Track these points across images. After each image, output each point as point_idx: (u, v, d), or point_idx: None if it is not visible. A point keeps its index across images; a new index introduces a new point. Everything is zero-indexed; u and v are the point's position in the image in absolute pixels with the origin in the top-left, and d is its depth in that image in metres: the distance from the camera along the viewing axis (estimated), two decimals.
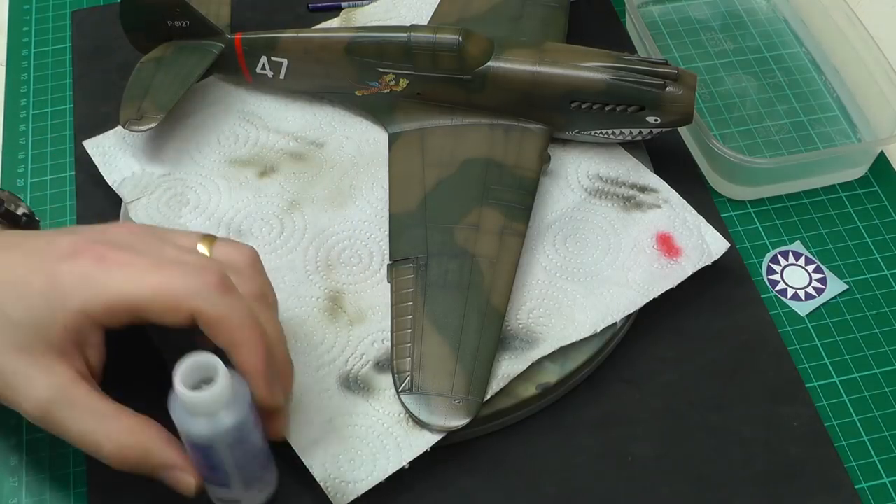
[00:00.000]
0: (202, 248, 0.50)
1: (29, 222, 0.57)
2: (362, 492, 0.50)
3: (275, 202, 0.62)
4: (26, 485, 0.54)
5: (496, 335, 0.54)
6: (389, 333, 0.55)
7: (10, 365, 0.47)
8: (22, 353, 0.46)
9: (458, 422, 0.52)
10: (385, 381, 0.54)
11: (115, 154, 0.65)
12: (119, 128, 0.65)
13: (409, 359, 0.54)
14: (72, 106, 0.71)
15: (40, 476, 0.54)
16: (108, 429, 0.47)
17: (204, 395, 0.43)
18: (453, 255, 0.57)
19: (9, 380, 0.47)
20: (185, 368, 0.44)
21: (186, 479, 0.48)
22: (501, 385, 0.54)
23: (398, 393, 0.53)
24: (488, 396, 0.53)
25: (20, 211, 0.57)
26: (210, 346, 0.47)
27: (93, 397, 0.47)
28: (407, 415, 0.53)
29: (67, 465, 0.54)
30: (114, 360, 0.50)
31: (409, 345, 0.54)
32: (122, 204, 0.62)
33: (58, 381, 0.46)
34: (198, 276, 0.46)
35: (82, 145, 0.66)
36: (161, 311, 0.46)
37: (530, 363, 0.55)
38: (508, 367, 0.54)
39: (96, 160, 0.64)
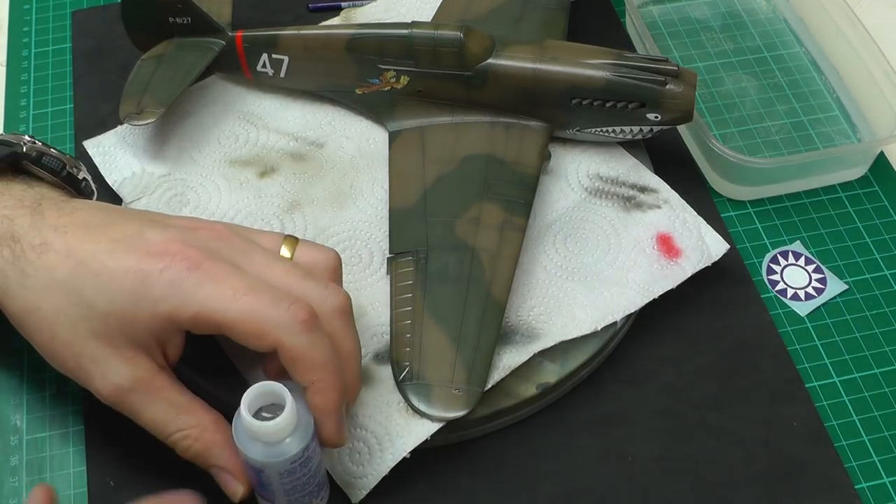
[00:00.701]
0: (285, 251, 0.50)
1: (87, 188, 0.57)
2: (372, 486, 0.51)
3: (275, 202, 0.62)
4: (26, 485, 0.54)
5: (497, 326, 0.54)
6: (389, 327, 0.55)
7: (91, 351, 0.47)
8: (103, 341, 0.47)
9: (458, 412, 0.52)
10: (385, 372, 0.54)
11: (115, 154, 0.65)
12: (119, 128, 0.65)
13: (408, 349, 0.54)
14: (72, 106, 0.71)
15: (40, 476, 0.54)
16: (180, 421, 0.48)
17: (267, 425, 0.44)
18: (453, 248, 0.57)
19: (87, 365, 0.48)
20: (254, 395, 0.45)
21: (235, 486, 0.48)
22: (502, 375, 0.54)
23: (398, 382, 0.53)
24: (489, 386, 0.53)
25: (81, 175, 0.56)
26: (278, 367, 0.47)
27: (170, 389, 0.48)
28: (406, 404, 0.52)
29: (67, 465, 0.54)
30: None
31: (408, 335, 0.54)
32: (122, 203, 0.62)
33: (137, 373, 0.47)
34: (287, 309, 0.46)
35: (82, 145, 0.66)
36: (246, 335, 0.46)
37: (531, 354, 0.55)
38: (509, 359, 0.54)
39: (96, 160, 0.64)
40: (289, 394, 0.45)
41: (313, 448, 0.47)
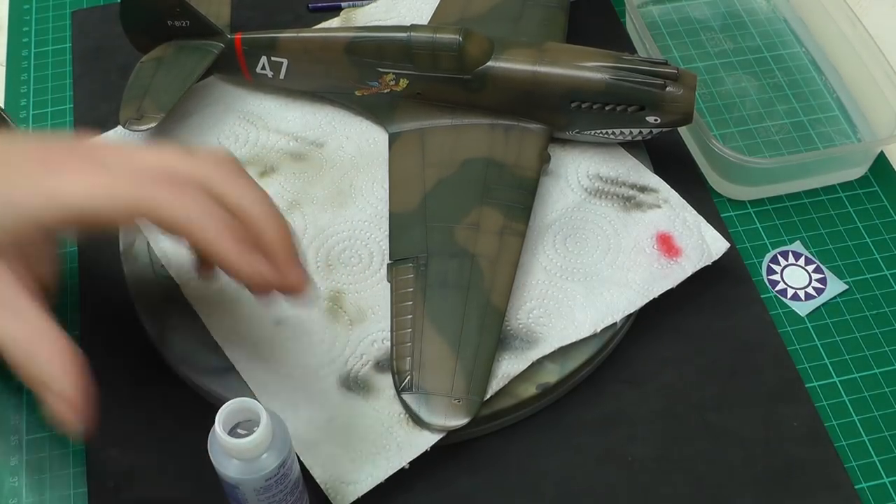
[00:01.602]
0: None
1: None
2: (362, 492, 0.50)
3: (275, 202, 0.62)
4: (26, 485, 0.54)
5: (496, 334, 0.54)
6: (389, 333, 0.55)
7: None
8: None
9: (458, 421, 0.52)
10: (385, 381, 0.54)
11: None
12: (119, 128, 0.65)
13: (409, 358, 0.54)
14: (72, 106, 0.71)
15: (40, 476, 0.54)
16: (14, 325, 0.45)
17: (242, 442, 0.44)
18: (453, 254, 0.57)
19: None
20: (228, 411, 0.45)
21: (61, 409, 0.45)
22: (501, 385, 0.54)
23: (398, 392, 0.53)
24: (488, 396, 0.53)
25: None
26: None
27: (19, 298, 0.46)
28: (407, 414, 0.53)
29: (67, 465, 0.54)
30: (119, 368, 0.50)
31: (409, 344, 0.54)
32: None
33: None
34: (141, 175, 0.46)
35: None
36: (111, 217, 0.46)
37: (530, 363, 0.55)
38: (508, 367, 0.54)
39: None
40: (264, 410, 0.44)
41: (290, 464, 0.47)
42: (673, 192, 0.62)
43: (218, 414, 0.44)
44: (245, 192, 0.48)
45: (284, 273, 0.47)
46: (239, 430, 0.45)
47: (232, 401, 0.44)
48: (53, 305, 0.47)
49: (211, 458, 0.45)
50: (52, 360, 0.45)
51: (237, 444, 0.44)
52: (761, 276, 0.62)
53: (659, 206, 0.61)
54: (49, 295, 0.48)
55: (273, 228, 0.47)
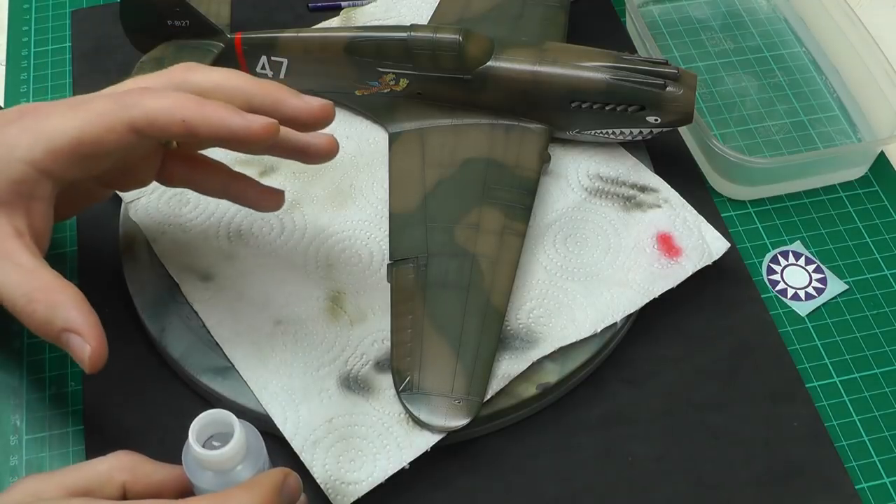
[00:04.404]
0: None
1: None
2: (362, 493, 0.50)
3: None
4: None
5: (496, 335, 0.54)
6: (389, 333, 0.55)
7: None
8: None
9: (459, 422, 0.52)
10: (385, 381, 0.54)
11: None
12: None
13: (409, 358, 0.54)
14: None
15: None
16: (25, 282, 0.46)
17: (216, 454, 0.43)
18: (453, 254, 0.57)
19: None
20: (202, 423, 0.44)
21: (82, 347, 0.46)
22: (501, 385, 0.54)
23: (398, 393, 0.53)
24: (488, 396, 0.53)
25: None
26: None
27: (23, 252, 0.47)
28: (407, 415, 0.53)
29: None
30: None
31: (409, 344, 0.54)
32: (122, 203, 0.62)
33: None
34: (121, 95, 0.48)
35: None
36: (98, 137, 0.47)
37: (530, 363, 0.55)
38: (508, 367, 0.54)
39: None
40: (238, 422, 0.44)
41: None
42: (673, 191, 0.62)
43: (191, 426, 0.44)
44: (210, 75, 0.50)
45: (288, 107, 0.50)
46: (213, 442, 0.44)
47: (205, 413, 0.44)
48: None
49: (185, 470, 0.45)
50: (54, 298, 0.46)
51: (211, 457, 0.43)
52: (761, 275, 0.62)
53: (659, 206, 0.61)
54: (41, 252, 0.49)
55: (257, 87, 0.50)
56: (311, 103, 0.51)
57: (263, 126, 0.48)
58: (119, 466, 0.45)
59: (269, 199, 0.56)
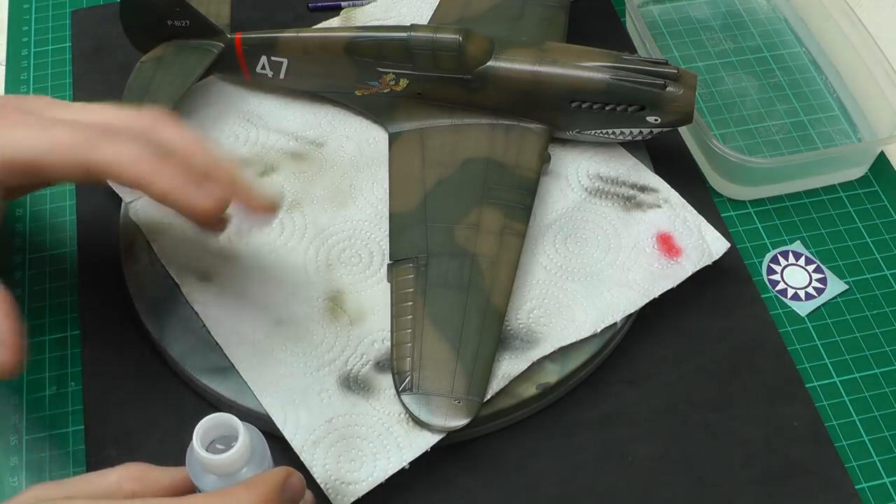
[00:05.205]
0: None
1: None
2: (362, 493, 0.50)
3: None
4: (26, 485, 0.54)
5: (496, 335, 0.54)
6: (389, 333, 0.55)
7: None
8: None
9: (459, 422, 0.52)
10: (385, 381, 0.54)
11: None
12: None
13: (409, 358, 0.54)
14: None
15: (40, 476, 0.54)
16: None
17: (220, 458, 0.43)
18: (453, 254, 0.57)
19: None
20: (206, 427, 0.44)
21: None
22: (501, 385, 0.54)
23: (398, 393, 0.53)
24: (488, 396, 0.53)
25: None
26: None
27: None
28: (407, 415, 0.53)
29: (67, 465, 0.54)
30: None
31: (409, 344, 0.54)
32: (122, 204, 0.62)
33: None
34: (85, 130, 0.48)
35: None
36: (53, 165, 0.48)
37: (530, 363, 0.55)
38: (508, 367, 0.54)
39: None
40: (242, 425, 0.44)
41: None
42: (673, 191, 0.62)
43: (195, 430, 0.44)
44: (177, 134, 0.50)
45: (229, 192, 0.49)
46: (217, 446, 0.44)
47: (209, 416, 0.44)
48: None
49: (189, 473, 0.45)
50: None
51: (215, 460, 0.43)
52: (761, 275, 0.62)
53: (659, 206, 0.61)
54: None
55: (202, 154, 0.50)
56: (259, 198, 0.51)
57: (214, 205, 0.49)
58: (128, 476, 0.45)
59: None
